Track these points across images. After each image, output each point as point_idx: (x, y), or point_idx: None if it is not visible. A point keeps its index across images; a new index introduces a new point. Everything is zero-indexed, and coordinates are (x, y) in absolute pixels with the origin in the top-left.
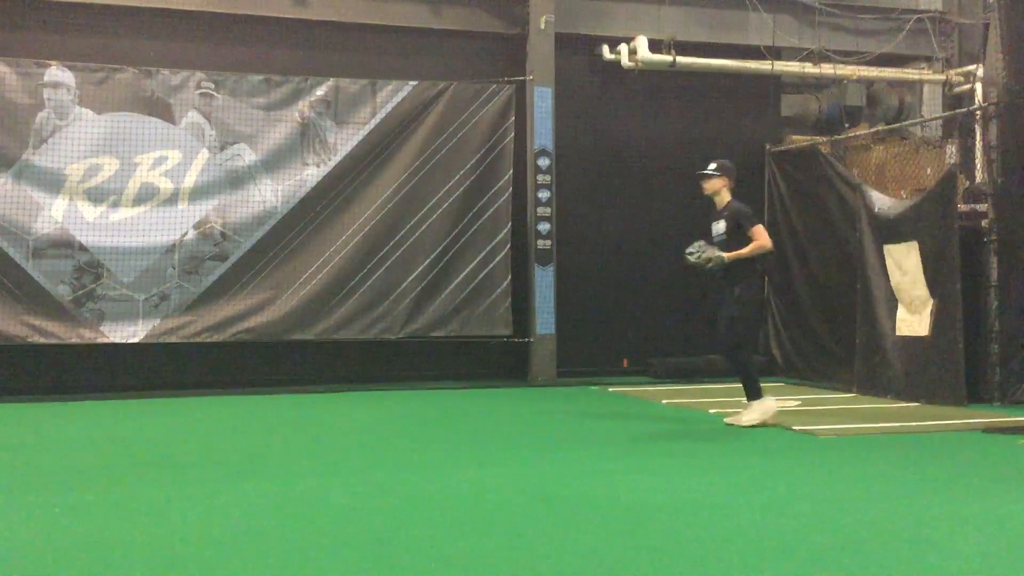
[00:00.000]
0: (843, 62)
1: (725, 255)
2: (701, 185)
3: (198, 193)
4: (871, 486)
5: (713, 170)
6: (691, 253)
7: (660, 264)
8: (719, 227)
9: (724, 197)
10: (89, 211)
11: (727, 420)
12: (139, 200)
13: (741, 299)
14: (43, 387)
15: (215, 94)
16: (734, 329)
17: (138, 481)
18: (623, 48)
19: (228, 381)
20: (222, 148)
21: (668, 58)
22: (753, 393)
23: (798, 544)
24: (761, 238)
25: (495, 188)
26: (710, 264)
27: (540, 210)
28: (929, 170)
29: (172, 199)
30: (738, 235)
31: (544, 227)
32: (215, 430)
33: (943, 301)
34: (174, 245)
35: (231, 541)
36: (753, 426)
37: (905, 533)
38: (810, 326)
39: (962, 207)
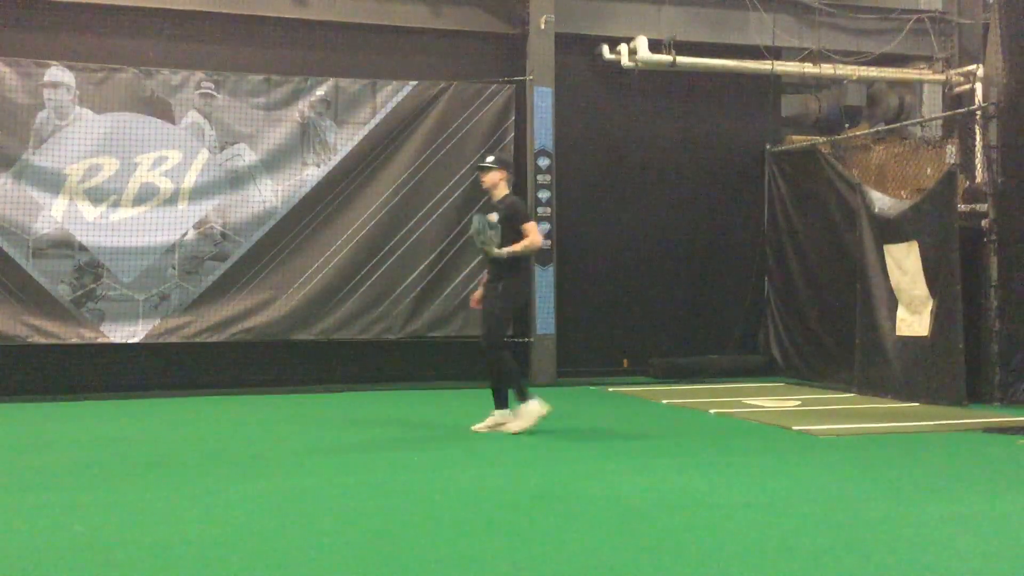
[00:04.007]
0: (843, 62)
1: (504, 252)
2: (479, 179)
3: (198, 193)
4: (872, 485)
5: (491, 163)
6: (478, 232)
7: (660, 264)
8: (490, 217)
9: (501, 191)
10: (89, 211)
11: (510, 430)
12: (139, 200)
13: (504, 295)
14: (43, 387)
15: (215, 94)
16: (492, 326)
17: (138, 481)
18: (623, 48)
19: (228, 381)
20: (222, 148)
21: (668, 58)
22: (520, 395)
23: (798, 544)
24: (532, 234)
25: None
26: (483, 247)
27: (540, 210)
28: (929, 170)
29: (172, 199)
30: (508, 228)
31: (544, 227)
32: (215, 430)
33: (943, 301)
34: (174, 245)
35: (231, 541)
36: (521, 432)
37: (905, 533)
38: (810, 326)
39: (962, 207)
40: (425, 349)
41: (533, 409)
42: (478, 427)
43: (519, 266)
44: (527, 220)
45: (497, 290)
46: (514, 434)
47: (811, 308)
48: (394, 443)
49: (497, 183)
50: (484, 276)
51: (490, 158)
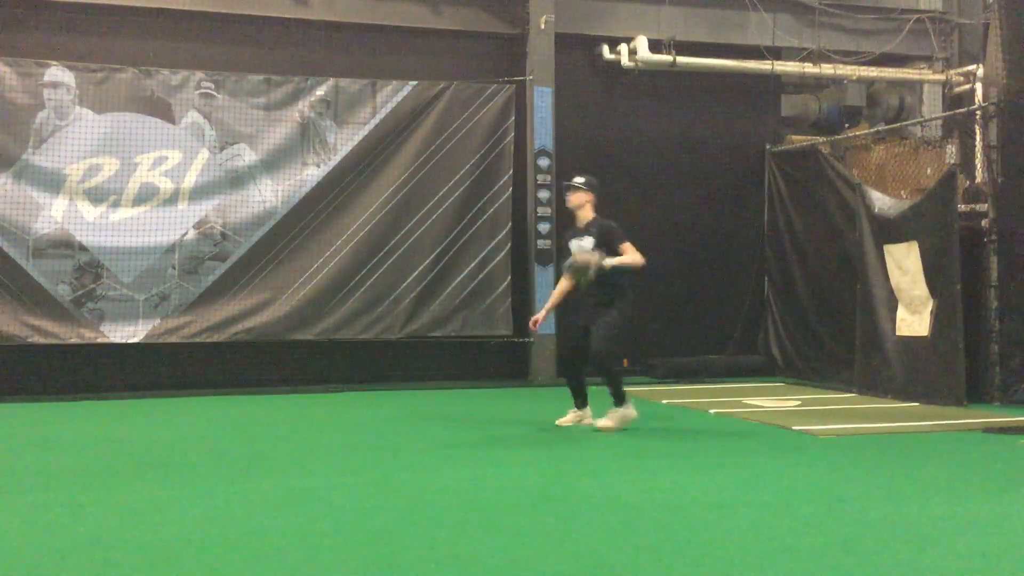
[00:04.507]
0: (843, 62)
1: (610, 262)
2: (565, 196)
3: (198, 193)
4: (871, 486)
5: (580, 183)
6: (579, 270)
7: (660, 264)
8: (584, 243)
9: (587, 213)
10: (89, 211)
11: (597, 424)
12: (139, 200)
13: (620, 316)
14: (45, 386)
15: (215, 94)
16: (610, 347)
17: (138, 481)
18: (623, 48)
19: (228, 381)
20: (222, 148)
21: (668, 58)
22: (619, 398)
23: (798, 544)
24: (634, 253)
25: (495, 188)
26: (590, 270)
27: (540, 210)
28: (929, 170)
29: (172, 199)
30: (605, 253)
31: (544, 227)
32: (215, 430)
33: (943, 301)
34: (174, 245)
35: (231, 541)
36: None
37: (905, 533)
38: (810, 326)
39: (962, 207)
40: (425, 349)
41: (628, 413)
42: (562, 421)
43: (627, 286)
44: (624, 240)
45: (610, 313)
46: (598, 429)
47: (811, 308)
48: (394, 443)
49: (583, 204)
50: (552, 304)
51: (580, 179)
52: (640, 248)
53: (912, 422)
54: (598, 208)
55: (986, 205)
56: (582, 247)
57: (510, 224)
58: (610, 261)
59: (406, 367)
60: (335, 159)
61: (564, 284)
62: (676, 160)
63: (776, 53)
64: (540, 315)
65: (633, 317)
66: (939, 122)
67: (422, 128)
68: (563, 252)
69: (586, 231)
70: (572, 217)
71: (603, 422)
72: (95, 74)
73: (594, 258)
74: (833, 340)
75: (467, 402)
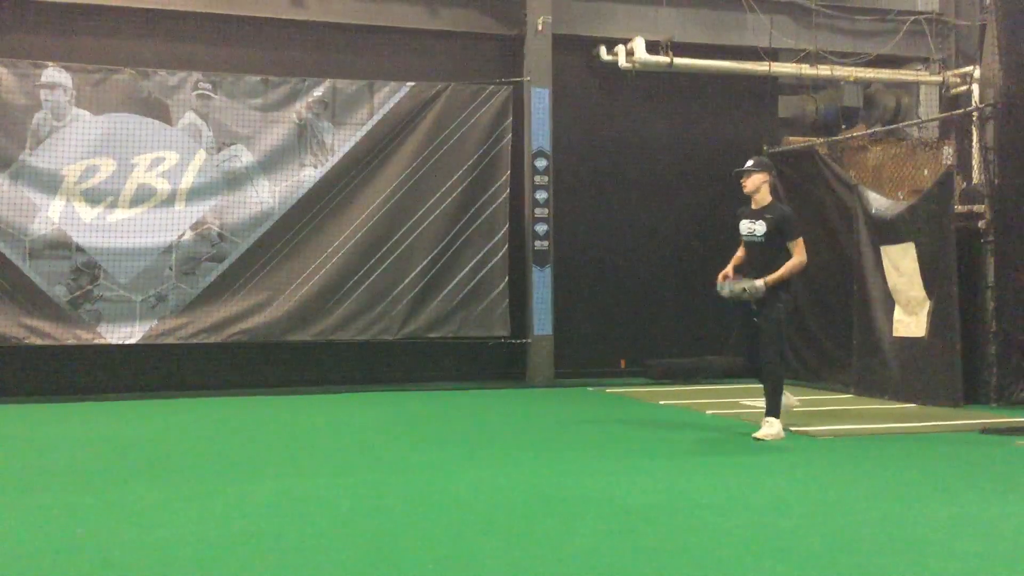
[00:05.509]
0: (840, 63)
1: (760, 283)
2: (740, 184)
3: (195, 194)
4: (870, 486)
5: (751, 166)
6: (722, 288)
7: (658, 265)
8: (757, 227)
9: (764, 196)
10: (86, 212)
11: (754, 435)
12: (136, 201)
13: (783, 308)
14: (43, 387)
15: (212, 95)
16: (776, 342)
17: (137, 481)
18: (620, 49)
19: (227, 382)
20: (219, 149)
21: (665, 59)
22: (774, 410)
23: (797, 544)
24: (800, 254)
25: (493, 189)
26: (745, 295)
27: (538, 211)
28: (926, 171)
29: (169, 200)
30: (778, 240)
31: (542, 228)
32: (215, 430)
33: (940, 302)
34: (171, 246)
35: (230, 542)
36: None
37: (903, 533)
38: (807, 327)
39: (959, 208)
40: (423, 350)
41: (779, 429)
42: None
43: (786, 283)
44: (797, 236)
45: (775, 306)
46: (756, 439)
47: (808, 309)
48: (392, 443)
49: (759, 187)
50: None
51: (750, 162)
52: (638, 248)
53: (909, 423)
54: (775, 189)
55: (983, 206)
56: (753, 231)
57: (507, 225)
58: (771, 278)
59: (404, 368)
60: (332, 160)
61: (741, 251)
62: (673, 161)
63: (773, 54)
64: (728, 269)
65: (787, 313)
66: (936, 123)
67: (420, 129)
68: (725, 229)
69: (761, 215)
70: (747, 199)
71: (760, 433)
72: (92, 75)
73: (747, 284)
74: (830, 341)
75: (465, 402)
